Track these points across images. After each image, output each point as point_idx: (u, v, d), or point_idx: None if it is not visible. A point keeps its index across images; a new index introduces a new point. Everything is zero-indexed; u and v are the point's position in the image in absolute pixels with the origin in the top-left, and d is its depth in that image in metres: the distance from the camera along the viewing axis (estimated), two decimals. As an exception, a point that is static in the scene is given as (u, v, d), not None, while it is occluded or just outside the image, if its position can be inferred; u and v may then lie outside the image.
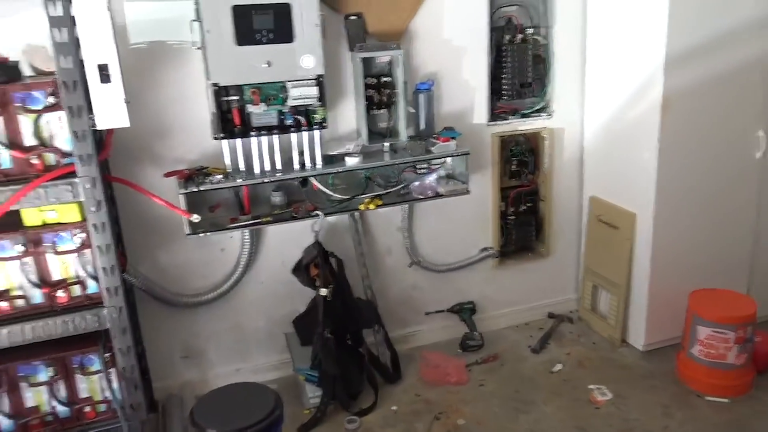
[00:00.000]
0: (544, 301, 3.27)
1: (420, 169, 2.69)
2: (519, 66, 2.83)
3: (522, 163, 3.05)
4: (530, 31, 2.84)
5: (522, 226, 3.12)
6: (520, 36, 2.82)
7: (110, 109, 1.86)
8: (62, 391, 2.09)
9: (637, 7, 2.60)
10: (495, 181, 2.96)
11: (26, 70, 1.97)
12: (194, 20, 2.13)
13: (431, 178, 2.64)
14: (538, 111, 2.96)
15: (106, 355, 2.08)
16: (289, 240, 2.64)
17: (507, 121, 2.91)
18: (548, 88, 2.93)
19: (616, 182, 2.91)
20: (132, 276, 2.26)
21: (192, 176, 2.29)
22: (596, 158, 3.04)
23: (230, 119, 2.25)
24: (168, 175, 2.31)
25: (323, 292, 2.49)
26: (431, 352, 2.90)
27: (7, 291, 1.95)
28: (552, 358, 2.90)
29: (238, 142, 2.32)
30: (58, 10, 1.72)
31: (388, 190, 2.62)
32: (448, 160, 2.72)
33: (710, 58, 2.55)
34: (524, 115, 2.94)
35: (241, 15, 2.13)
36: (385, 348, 2.75)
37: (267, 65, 2.20)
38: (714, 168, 2.72)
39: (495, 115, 2.88)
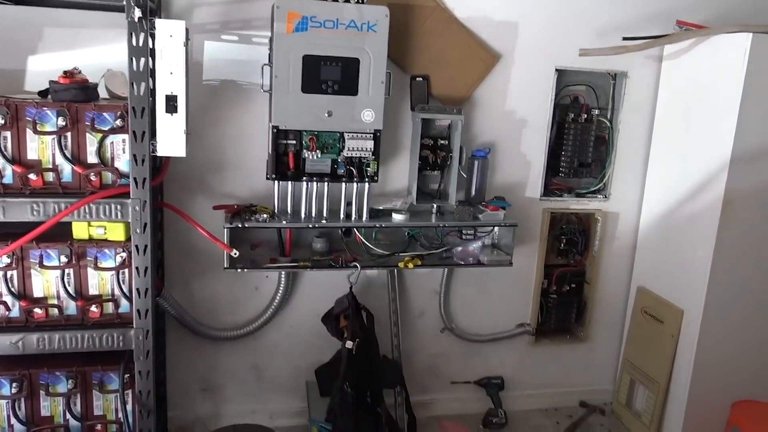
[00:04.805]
0: (577, 387, 3.13)
1: (465, 235, 2.65)
2: (580, 145, 2.79)
3: (571, 243, 2.97)
4: (596, 112, 2.80)
5: (563, 306, 3.02)
6: (584, 116, 2.79)
7: (171, 139, 1.93)
8: (78, 405, 2.09)
9: (708, 103, 2.55)
10: (540, 257, 2.89)
11: (103, 93, 2.07)
12: (266, 64, 2.20)
13: (475, 245, 2.60)
14: (594, 192, 2.90)
15: (126, 376, 2.08)
16: (324, 288, 2.61)
17: (561, 199, 2.86)
18: (607, 170, 2.88)
19: (666, 275, 2.80)
20: (165, 301, 2.28)
21: (240, 212, 2.32)
22: (649, 248, 2.94)
23: (285, 162, 2.28)
24: (216, 208, 2.35)
25: (349, 344, 2.43)
26: (451, 422, 2.80)
27: (44, 299, 2.00)
28: (577, 451, 2.76)
29: (290, 185, 2.36)
30: (140, 42, 1.81)
31: (430, 252, 2.59)
32: (495, 229, 2.68)
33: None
34: (579, 195, 2.89)
35: (310, 64, 2.19)
36: (404, 412, 2.67)
37: (328, 115, 2.24)
38: (771, 274, 2.59)
39: (549, 190, 2.84)
